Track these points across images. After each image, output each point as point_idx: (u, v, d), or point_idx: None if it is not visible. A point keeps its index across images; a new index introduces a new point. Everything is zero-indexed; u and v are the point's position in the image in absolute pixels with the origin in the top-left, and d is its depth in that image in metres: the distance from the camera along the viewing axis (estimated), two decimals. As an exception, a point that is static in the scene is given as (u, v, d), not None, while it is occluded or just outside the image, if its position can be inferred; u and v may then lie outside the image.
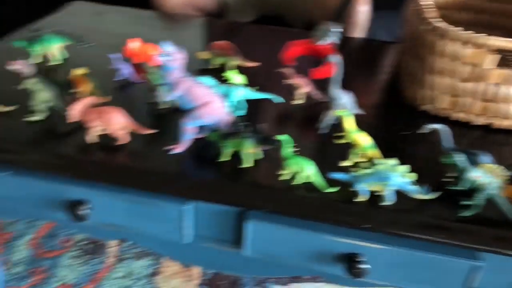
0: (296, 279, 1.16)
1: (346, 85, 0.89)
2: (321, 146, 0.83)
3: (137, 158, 0.76)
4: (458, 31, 0.83)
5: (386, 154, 0.76)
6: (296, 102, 0.93)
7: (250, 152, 0.75)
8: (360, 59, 1.18)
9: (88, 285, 1.10)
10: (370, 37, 1.35)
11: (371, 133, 0.84)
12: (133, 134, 0.78)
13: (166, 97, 0.74)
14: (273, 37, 1.26)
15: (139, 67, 1.01)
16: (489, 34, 0.82)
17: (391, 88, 1.05)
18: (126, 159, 0.76)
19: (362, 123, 0.88)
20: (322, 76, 0.93)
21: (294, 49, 0.99)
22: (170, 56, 0.70)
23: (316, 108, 0.93)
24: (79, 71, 0.89)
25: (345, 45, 1.23)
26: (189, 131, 0.75)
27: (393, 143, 0.84)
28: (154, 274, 1.14)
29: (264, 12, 1.50)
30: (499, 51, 0.82)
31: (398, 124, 0.90)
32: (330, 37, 1.01)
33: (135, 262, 1.16)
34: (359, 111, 0.86)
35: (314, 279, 1.17)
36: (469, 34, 0.82)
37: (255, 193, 0.72)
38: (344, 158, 0.78)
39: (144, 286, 1.11)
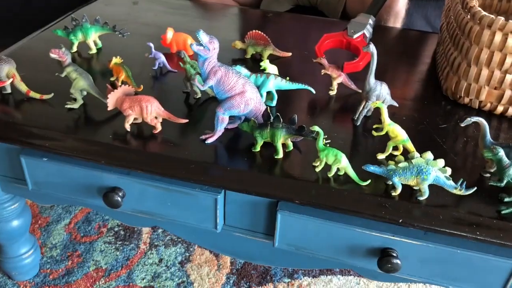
0: (327, 271, 1.15)
1: (383, 76, 0.87)
2: (355, 138, 0.82)
3: (171, 147, 0.76)
4: (503, 20, 0.80)
5: (423, 147, 0.74)
6: (330, 92, 0.92)
7: (283, 143, 0.74)
8: (397, 49, 1.16)
9: (120, 270, 1.12)
10: (408, 27, 1.32)
11: (407, 126, 0.82)
12: (167, 123, 0.79)
13: (200, 87, 0.74)
14: (307, 27, 1.24)
15: (175, 56, 1.02)
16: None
17: (429, 80, 1.02)
18: (160, 147, 0.76)
19: (398, 115, 0.86)
20: (354, 70, 0.91)
21: (328, 42, 0.97)
22: (204, 46, 0.70)
23: (350, 99, 0.91)
24: (116, 60, 0.90)
25: (382, 35, 1.20)
26: (222, 121, 0.75)
27: (431, 136, 0.82)
28: (184, 261, 1.15)
29: (299, 2, 1.48)
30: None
31: (436, 116, 0.88)
32: (364, 30, 0.99)
33: (166, 250, 1.18)
34: (395, 103, 0.84)
35: (345, 272, 1.16)
36: (514, 24, 0.79)
37: (287, 185, 0.71)
38: (379, 150, 0.76)
39: (174, 273, 1.12)
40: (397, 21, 1.29)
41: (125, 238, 1.20)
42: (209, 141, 0.76)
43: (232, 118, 0.79)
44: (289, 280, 1.12)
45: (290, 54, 1.05)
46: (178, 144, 0.77)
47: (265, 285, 1.10)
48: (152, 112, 0.77)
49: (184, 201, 0.76)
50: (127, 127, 0.78)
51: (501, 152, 0.66)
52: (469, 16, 0.85)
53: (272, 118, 0.73)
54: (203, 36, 0.70)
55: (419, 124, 0.86)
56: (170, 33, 1.02)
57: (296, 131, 0.73)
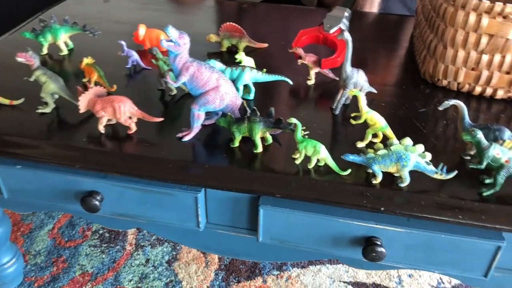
0: (315, 261, 1.15)
1: (360, 63, 0.86)
2: (335, 127, 0.81)
3: (147, 147, 0.75)
4: (476, 0, 0.79)
5: (403, 133, 0.73)
6: (308, 82, 0.91)
7: (262, 137, 0.73)
8: (374, 35, 1.15)
9: (107, 273, 1.11)
10: (384, 11, 1.31)
11: (386, 112, 0.82)
12: (143, 122, 0.77)
13: (173, 83, 0.72)
14: (284, 16, 1.23)
15: (148, 54, 0.99)
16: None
17: (408, 64, 1.01)
18: (136, 148, 0.75)
19: (377, 101, 0.86)
20: (332, 66, 0.90)
21: (304, 38, 0.96)
22: (174, 41, 0.68)
23: (329, 88, 0.90)
24: (87, 61, 0.88)
25: (359, 21, 1.19)
26: (198, 117, 0.73)
27: (410, 121, 0.82)
28: (172, 260, 1.14)
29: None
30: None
31: (416, 101, 0.87)
32: (340, 24, 0.98)
33: (153, 250, 1.16)
34: (373, 89, 0.84)
35: (334, 261, 1.15)
36: (489, 3, 0.78)
37: (267, 179, 0.70)
38: (360, 139, 0.75)
39: (162, 272, 1.11)
40: (373, 5, 1.28)
41: (111, 240, 1.18)
42: (186, 138, 0.74)
43: (209, 114, 0.78)
44: (278, 272, 1.11)
45: (266, 45, 1.03)
46: (154, 143, 0.76)
47: (254, 279, 1.09)
48: (126, 112, 0.75)
49: (164, 201, 0.75)
50: (101, 129, 0.76)
51: (479, 134, 0.65)
52: (443, -2, 0.85)
53: (249, 112, 0.72)
54: (172, 32, 0.68)
55: (398, 110, 0.85)
56: (142, 30, 1.00)
57: (274, 124, 0.72)
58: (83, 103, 0.76)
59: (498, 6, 0.78)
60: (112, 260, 1.13)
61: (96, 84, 0.87)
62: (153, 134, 0.77)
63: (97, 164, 0.74)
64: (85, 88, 0.81)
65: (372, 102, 0.85)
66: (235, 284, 1.08)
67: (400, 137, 0.68)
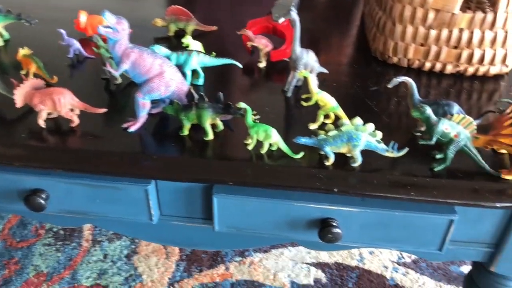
0: (277, 244, 1.14)
1: (311, 43, 0.85)
2: (288, 110, 0.79)
3: (92, 140, 0.71)
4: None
5: (355, 112, 0.72)
6: (259, 65, 0.89)
7: (211, 123, 0.71)
8: (326, 14, 1.13)
9: (63, 272, 1.07)
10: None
11: (338, 92, 0.81)
12: (87, 114, 0.73)
13: (114, 72, 0.69)
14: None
15: (90, 41, 0.95)
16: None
17: (359, 42, 1.00)
18: (81, 142, 0.71)
19: (329, 82, 0.84)
20: (282, 57, 0.88)
21: (254, 29, 0.94)
22: (112, 27, 0.65)
23: (280, 70, 0.89)
24: (23, 51, 0.83)
25: (309, 1, 1.17)
26: (144, 106, 0.70)
27: (362, 100, 0.81)
28: (131, 254, 1.11)
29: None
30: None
31: (367, 79, 0.87)
32: (288, 15, 0.96)
33: (110, 244, 1.13)
34: (324, 70, 0.82)
35: (296, 243, 1.16)
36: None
37: (219, 167, 0.68)
38: (312, 120, 0.74)
39: (121, 267, 1.08)
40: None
41: (66, 238, 1.14)
42: (132, 129, 0.71)
43: (156, 102, 0.75)
44: (241, 258, 1.10)
45: (215, 28, 1.00)
46: (100, 136, 0.72)
47: (217, 267, 1.08)
48: (66, 104, 0.71)
49: (114, 196, 0.72)
50: (41, 123, 0.72)
51: (428, 110, 0.65)
52: (389, -26, 0.84)
53: (196, 98, 0.69)
54: (109, 17, 0.64)
55: (350, 89, 0.84)
56: (83, 17, 0.95)
57: (223, 109, 0.69)
58: (19, 97, 0.71)
59: (443, -20, 0.78)
60: (68, 258, 1.09)
61: (36, 76, 0.82)
62: (98, 126, 0.74)
63: (39, 161, 0.70)
64: (23, 80, 0.76)
65: (324, 82, 0.84)
66: (197, 273, 1.07)
67: (352, 116, 0.67)
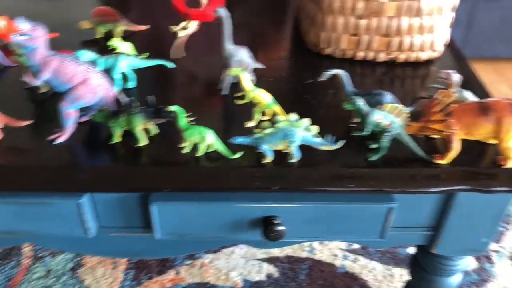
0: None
1: (247, 39, 0.83)
2: (225, 109, 0.78)
3: (18, 155, 0.67)
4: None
5: (293, 106, 0.72)
6: (180, 33, 0.84)
7: (143, 129, 0.68)
8: (261, 8, 1.12)
9: (3, 293, 1.02)
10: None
11: (275, 87, 0.80)
12: (11, 128, 0.69)
13: (34, 82, 0.64)
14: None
15: (9, 49, 0.89)
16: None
17: (295, 36, 1.00)
18: (5, 157, 0.67)
19: (266, 77, 0.84)
20: (203, 19, 0.85)
21: None
22: (27, 35, 0.60)
23: (216, 69, 0.87)
24: None
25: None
26: (70, 116, 0.67)
27: (299, 94, 0.81)
28: (76, 267, 1.06)
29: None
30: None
31: (304, 72, 0.87)
32: None
33: (53, 259, 1.08)
34: (260, 65, 0.81)
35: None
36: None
37: (155, 174, 0.66)
38: (249, 119, 0.73)
39: (66, 282, 1.04)
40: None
41: (4, 257, 1.07)
42: (59, 140, 0.67)
43: (85, 110, 0.71)
44: (191, 261, 1.08)
45: (146, 27, 0.97)
46: (26, 150, 0.68)
47: (167, 272, 1.06)
48: (-16, 119, 0.66)
49: (45, 212, 0.68)
50: (-42, 141, 0.67)
51: (359, 102, 0.65)
52: (316, -35, 0.84)
53: (126, 103, 0.66)
54: (23, 24, 0.60)
55: (287, 83, 0.84)
56: (2, 22, 0.89)
57: (154, 113, 0.67)
58: None
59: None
60: (7, 279, 1.03)
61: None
62: (24, 139, 0.69)
63: (-41, 181, 0.65)
64: None
65: (261, 78, 0.83)
66: (147, 281, 1.04)
67: (290, 111, 0.67)
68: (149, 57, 0.80)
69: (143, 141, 0.68)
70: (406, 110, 0.66)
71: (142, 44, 0.89)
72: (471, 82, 0.83)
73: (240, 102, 0.75)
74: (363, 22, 0.84)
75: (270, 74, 0.85)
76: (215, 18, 0.77)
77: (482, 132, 0.63)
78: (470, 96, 0.71)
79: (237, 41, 0.78)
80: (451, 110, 0.63)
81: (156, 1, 1.13)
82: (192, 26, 0.86)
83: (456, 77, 0.70)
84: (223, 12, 0.73)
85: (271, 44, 0.98)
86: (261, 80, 0.82)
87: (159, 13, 1.06)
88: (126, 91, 0.78)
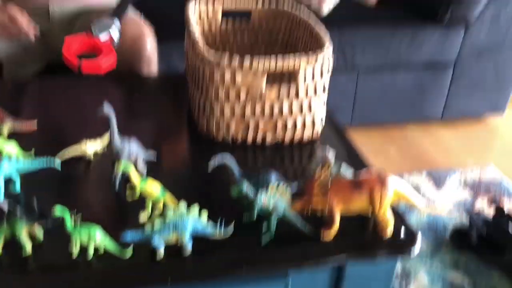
0: None
1: (141, 130, 0.84)
2: (117, 204, 0.77)
3: None
4: (227, 57, 0.84)
5: (187, 195, 0.72)
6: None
7: (27, 235, 0.65)
8: (155, 97, 1.14)
9: None
10: (167, 72, 1.33)
11: (169, 176, 0.81)
12: None
13: None
14: (64, 88, 1.14)
15: None
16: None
17: (189, 123, 1.02)
18: None
19: (159, 166, 0.84)
20: (95, 71, 0.87)
21: (76, 47, 0.91)
22: None
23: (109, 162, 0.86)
24: None
25: (138, 86, 1.18)
26: None
27: (194, 182, 0.82)
28: None
29: (49, 61, 1.37)
30: (272, 71, 0.85)
31: (197, 159, 0.89)
32: (110, 30, 0.98)
33: None
34: (151, 156, 0.82)
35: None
36: (238, 60, 0.84)
37: (44, 282, 0.63)
38: (140, 213, 0.72)
39: None
40: (151, 68, 1.28)
41: None
42: None
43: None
44: None
45: (33, 128, 0.93)
46: None
47: None
48: None
49: None
50: None
51: (245, 189, 0.68)
52: (199, 59, 0.89)
53: (7, 208, 0.64)
54: None
55: (181, 171, 0.86)
56: None
57: (39, 217, 0.65)
58: None
59: (247, 60, 0.84)
60: None
61: None
62: None
63: None
64: None
65: (154, 168, 0.83)
66: None
67: (185, 199, 0.67)
68: (35, 156, 0.77)
69: (28, 249, 0.64)
70: (290, 189, 0.70)
71: (28, 141, 0.86)
72: (350, 154, 0.90)
73: (131, 197, 0.74)
74: (249, 108, 0.89)
75: (163, 162, 0.86)
76: (106, 71, 0.79)
77: (359, 205, 0.68)
78: (346, 170, 0.75)
79: (132, 130, 0.78)
80: (328, 187, 0.68)
81: (37, 100, 1.10)
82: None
83: (331, 153, 0.73)
84: (107, 111, 0.75)
85: (165, 132, 0.99)
86: (153, 171, 0.82)
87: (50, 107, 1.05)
88: (10, 194, 0.74)
